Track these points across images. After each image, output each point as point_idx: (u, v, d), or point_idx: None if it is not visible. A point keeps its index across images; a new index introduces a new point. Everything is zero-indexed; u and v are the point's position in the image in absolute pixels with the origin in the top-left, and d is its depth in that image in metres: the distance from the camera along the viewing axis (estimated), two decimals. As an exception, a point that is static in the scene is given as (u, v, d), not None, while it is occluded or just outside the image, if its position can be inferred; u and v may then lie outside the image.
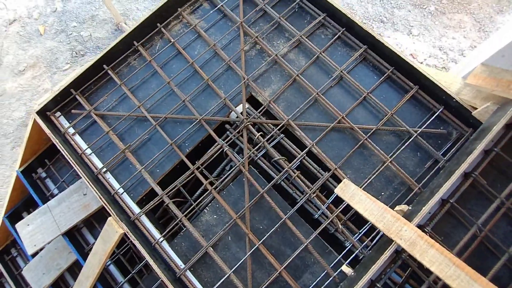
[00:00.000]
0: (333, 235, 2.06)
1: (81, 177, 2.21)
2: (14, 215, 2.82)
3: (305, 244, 1.95)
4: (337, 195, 1.72)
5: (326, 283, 1.90)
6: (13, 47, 5.16)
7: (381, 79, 2.27)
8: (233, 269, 1.96)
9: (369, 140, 2.14)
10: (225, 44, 2.50)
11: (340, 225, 1.99)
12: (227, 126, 2.33)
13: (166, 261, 2.02)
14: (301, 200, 2.07)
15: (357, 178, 2.10)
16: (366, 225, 2.00)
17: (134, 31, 2.46)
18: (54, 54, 5.08)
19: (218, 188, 2.19)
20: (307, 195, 2.06)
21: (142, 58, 2.51)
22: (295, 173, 2.11)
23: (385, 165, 2.09)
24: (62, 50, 5.09)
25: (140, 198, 2.19)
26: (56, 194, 2.50)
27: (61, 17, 5.27)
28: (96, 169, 2.24)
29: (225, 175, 2.22)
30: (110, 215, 2.03)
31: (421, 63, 4.63)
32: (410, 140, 2.12)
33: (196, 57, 2.45)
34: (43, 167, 2.68)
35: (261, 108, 2.29)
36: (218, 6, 2.58)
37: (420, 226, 1.69)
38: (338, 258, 1.96)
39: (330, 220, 1.99)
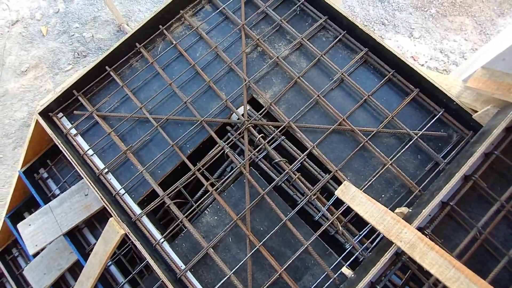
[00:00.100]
0: (333, 237, 2.06)
1: (82, 178, 2.22)
2: (16, 215, 2.83)
3: (306, 246, 1.95)
4: (337, 197, 1.73)
5: (326, 285, 1.91)
6: (16, 47, 5.18)
7: (382, 81, 2.28)
8: (233, 270, 1.96)
9: (370, 143, 2.14)
10: (227, 46, 2.51)
11: (340, 227, 2.00)
12: (228, 127, 2.34)
13: (167, 262, 2.02)
14: (301, 201, 2.07)
15: (357, 180, 2.10)
16: (366, 227, 2.00)
17: (136, 33, 2.47)
18: (56, 55, 5.10)
19: (219, 189, 2.20)
20: (308, 197, 2.07)
21: (144, 59, 2.53)
22: (295, 175, 2.12)
23: (385, 167, 2.09)
24: (64, 51, 5.11)
25: (141, 199, 2.20)
26: (58, 195, 2.51)
27: (63, 18, 5.29)
28: (98, 169, 2.24)
29: (226, 177, 2.23)
30: (111, 216, 2.04)
31: (422, 65, 4.63)
32: (411, 142, 2.12)
33: (198, 59, 2.46)
34: (45, 168, 2.69)
35: (262, 110, 2.30)
36: (220, 9, 2.59)
37: (420, 229, 1.70)
38: (338, 260, 1.96)
39: (330, 222, 2.00)
